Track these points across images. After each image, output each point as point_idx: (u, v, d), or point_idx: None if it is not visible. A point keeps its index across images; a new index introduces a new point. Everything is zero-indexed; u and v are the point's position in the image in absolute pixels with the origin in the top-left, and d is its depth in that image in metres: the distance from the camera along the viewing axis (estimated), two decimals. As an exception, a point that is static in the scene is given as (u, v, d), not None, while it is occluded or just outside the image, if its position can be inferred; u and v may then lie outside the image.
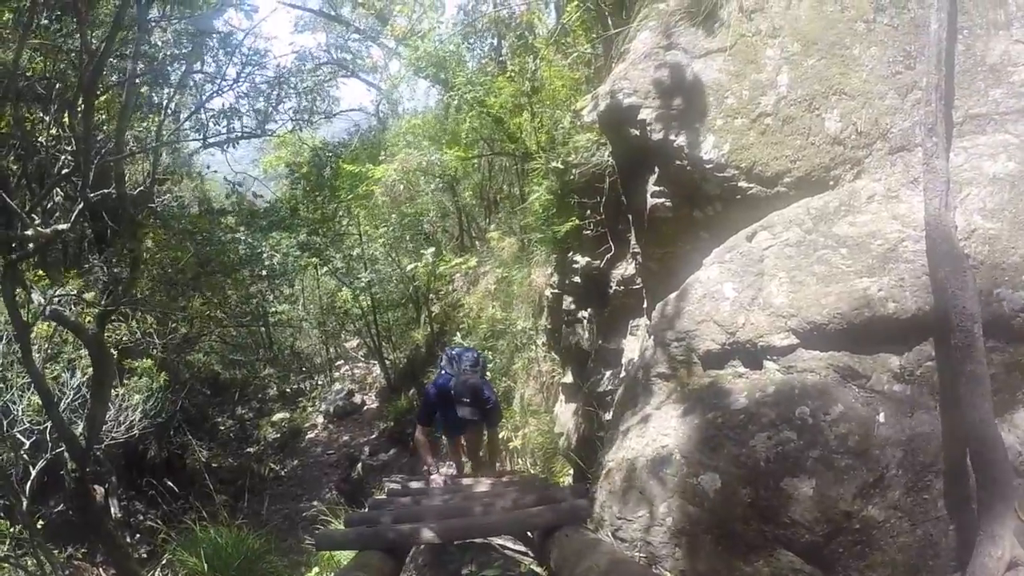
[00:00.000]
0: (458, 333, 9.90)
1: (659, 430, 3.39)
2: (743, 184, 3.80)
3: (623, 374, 5.49)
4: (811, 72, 3.86)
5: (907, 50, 3.78)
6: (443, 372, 6.14)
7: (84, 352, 8.69)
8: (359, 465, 13.39)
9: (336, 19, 18.84)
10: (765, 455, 2.97)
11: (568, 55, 8.20)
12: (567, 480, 6.86)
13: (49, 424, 7.78)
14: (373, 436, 14.90)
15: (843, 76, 3.81)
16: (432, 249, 10.49)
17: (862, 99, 3.72)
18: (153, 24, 9.32)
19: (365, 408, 16.83)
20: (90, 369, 8.37)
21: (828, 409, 2.97)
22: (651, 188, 4.34)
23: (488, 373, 7.39)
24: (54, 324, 8.22)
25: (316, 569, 5.91)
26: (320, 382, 19.07)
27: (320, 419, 16.94)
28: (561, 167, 6.12)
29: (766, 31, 4.10)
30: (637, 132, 4.19)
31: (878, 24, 3.91)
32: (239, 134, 11.63)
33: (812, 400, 3.01)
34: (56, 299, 7.69)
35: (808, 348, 3.16)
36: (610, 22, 6.51)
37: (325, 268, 14.46)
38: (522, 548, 4.73)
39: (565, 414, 7.33)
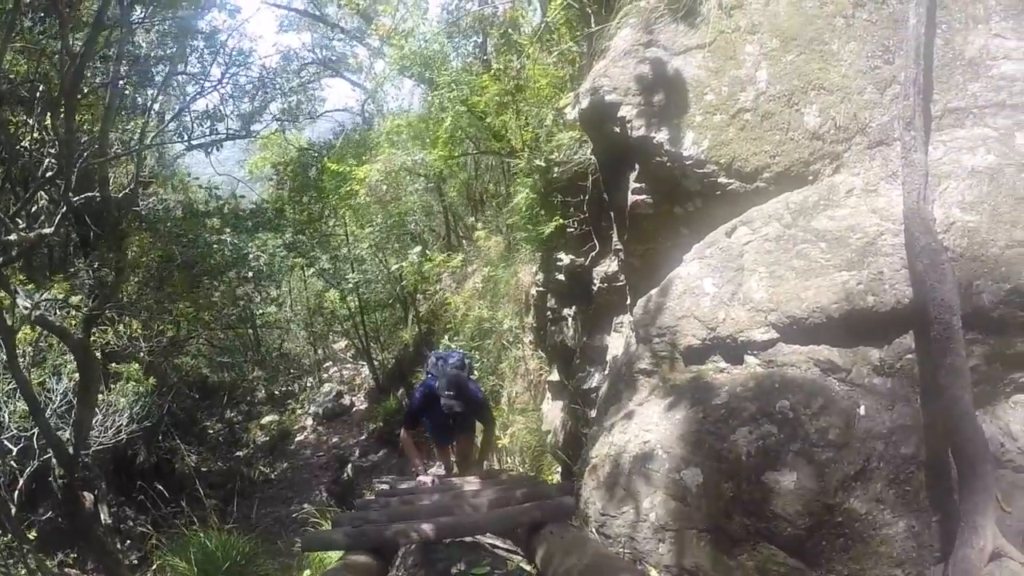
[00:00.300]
0: (446, 335, 9.88)
1: (642, 426, 3.40)
2: (723, 180, 3.82)
3: (607, 371, 5.49)
4: (790, 67, 3.88)
5: (886, 45, 3.82)
6: (429, 375, 6.08)
7: (69, 357, 8.63)
8: (349, 467, 13.35)
9: (320, 19, 18.75)
10: (746, 449, 2.98)
11: (552, 53, 8.19)
12: (556, 478, 6.86)
13: (36, 431, 7.73)
14: (363, 437, 14.87)
15: (822, 71, 3.83)
16: (419, 248, 10.45)
17: (841, 94, 3.75)
18: (136, 25, 9.26)
19: (354, 409, 16.79)
20: (76, 374, 8.32)
21: (808, 403, 2.98)
22: (632, 185, 4.35)
23: (475, 374, 7.36)
24: (39, 329, 8.16)
25: (308, 572, 5.87)
26: (309, 384, 18.99)
27: (309, 421, 16.89)
28: (544, 165, 6.10)
29: (745, 27, 4.12)
30: (617, 129, 4.21)
31: (857, 19, 3.95)
32: (224, 135, 11.59)
33: (792, 394, 3.02)
34: (43, 303, 7.63)
35: (788, 342, 3.18)
36: (593, 20, 6.50)
37: (312, 269, 14.40)
38: (512, 546, 4.73)
39: (552, 412, 7.33)
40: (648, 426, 3.36)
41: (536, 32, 8.98)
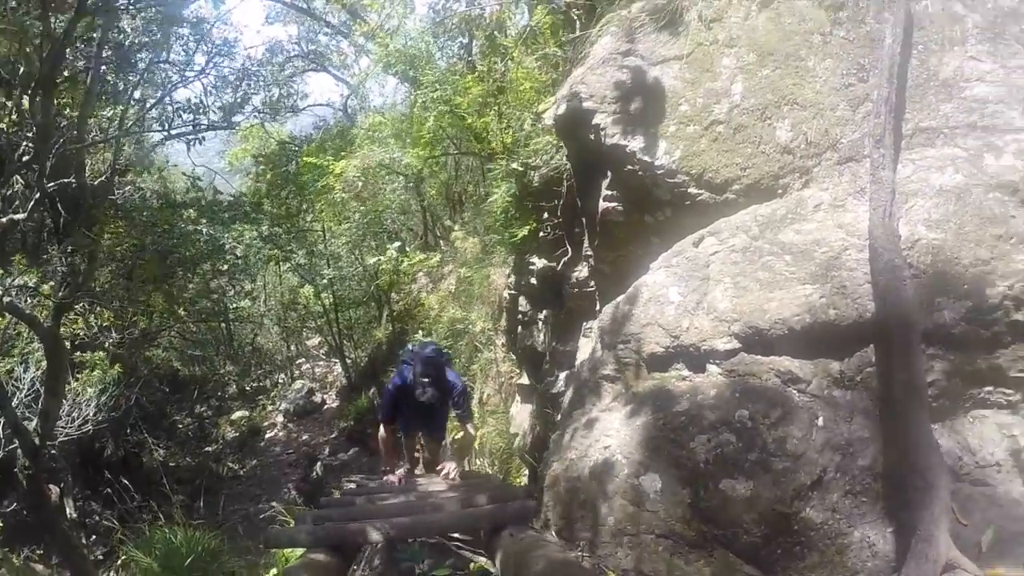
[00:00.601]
0: (420, 331, 9.87)
1: (603, 431, 3.42)
2: (693, 190, 3.85)
3: (573, 376, 5.49)
4: (765, 82, 3.92)
5: (861, 63, 3.85)
6: (404, 363, 5.78)
7: (38, 345, 8.52)
8: (318, 465, 13.29)
9: (307, 12, 18.67)
10: (704, 457, 3.01)
11: (536, 57, 8.20)
12: (524, 480, 6.85)
13: (2, 420, 7.61)
14: (333, 435, 14.82)
15: (796, 87, 3.87)
16: (398, 244, 10.42)
17: (814, 110, 3.78)
18: (122, 10, 9.17)
19: (325, 407, 16.72)
20: (44, 363, 8.21)
21: (767, 413, 3.02)
22: (604, 192, 4.38)
23: (454, 364, 7.19)
24: (8, 316, 8.06)
25: (274, 570, 5.83)
26: (280, 380, 18.84)
27: (280, 418, 16.79)
28: (520, 169, 6.11)
29: (723, 40, 4.16)
30: (592, 136, 4.23)
31: (834, 37, 3.98)
32: (205, 126, 11.51)
33: (752, 404, 3.05)
34: (13, 290, 7.53)
35: (750, 352, 3.20)
36: (577, 26, 6.52)
37: (287, 264, 14.30)
38: (477, 547, 4.73)
39: (521, 414, 7.34)
40: (609, 432, 3.38)
41: (521, 35, 8.99)
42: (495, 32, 10.63)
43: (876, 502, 2.91)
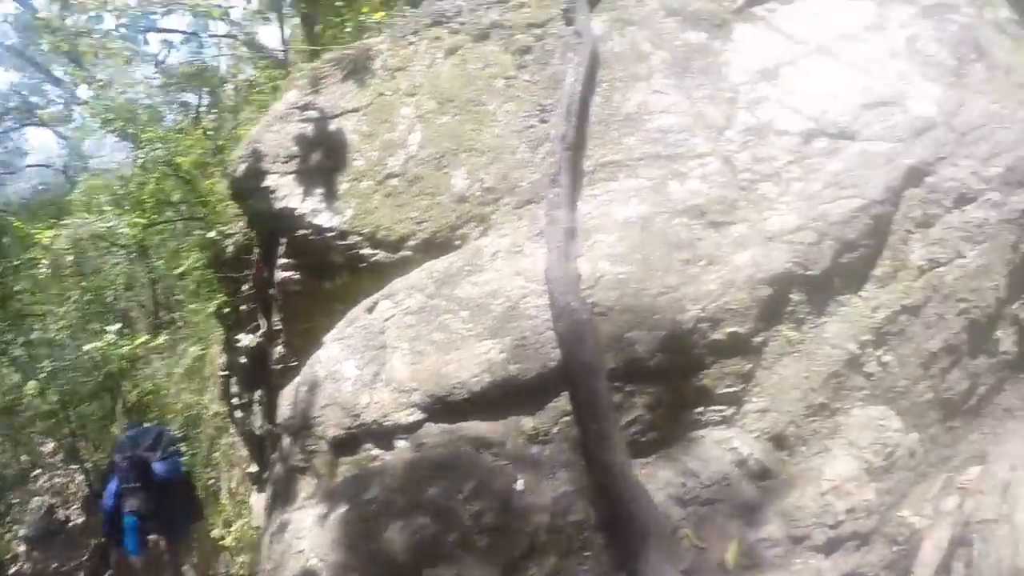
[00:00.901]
0: (145, 423, 8.82)
1: (295, 534, 3.03)
2: (367, 251, 3.63)
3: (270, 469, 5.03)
4: (443, 130, 3.81)
5: (543, 104, 3.86)
6: (116, 465, 4.96)
7: None
8: (77, 597, 11.52)
9: (27, 58, 16.63)
10: (401, 546, 2.71)
11: (262, 113, 7.78)
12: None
13: None
14: (85, 557, 12.93)
15: (475, 132, 3.79)
16: (118, 326, 9.29)
17: (492, 154, 3.71)
18: None
19: (71, 524, 14.58)
20: None
21: (460, 487, 2.78)
22: (279, 260, 4.05)
23: (182, 455, 6.32)
24: None
25: None
26: (14, 501, 16.14)
27: (21, 547, 14.35)
28: (217, 238, 5.61)
29: (405, 89, 4.04)
30: (265, 199, 3.91)
31: (518, 80, 3.98)
32: None
33: (443, 479, 2.81)
34: None
35: (435, 422, 2.97)
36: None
37: (3, 358, 12.29)
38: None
39: (259, 504, 6.69)
40: (302, 534, 3.00)
41: (241, 90, 8.51)
42: (219, 88, 10.06)
43: (600, 553, 2.75)
